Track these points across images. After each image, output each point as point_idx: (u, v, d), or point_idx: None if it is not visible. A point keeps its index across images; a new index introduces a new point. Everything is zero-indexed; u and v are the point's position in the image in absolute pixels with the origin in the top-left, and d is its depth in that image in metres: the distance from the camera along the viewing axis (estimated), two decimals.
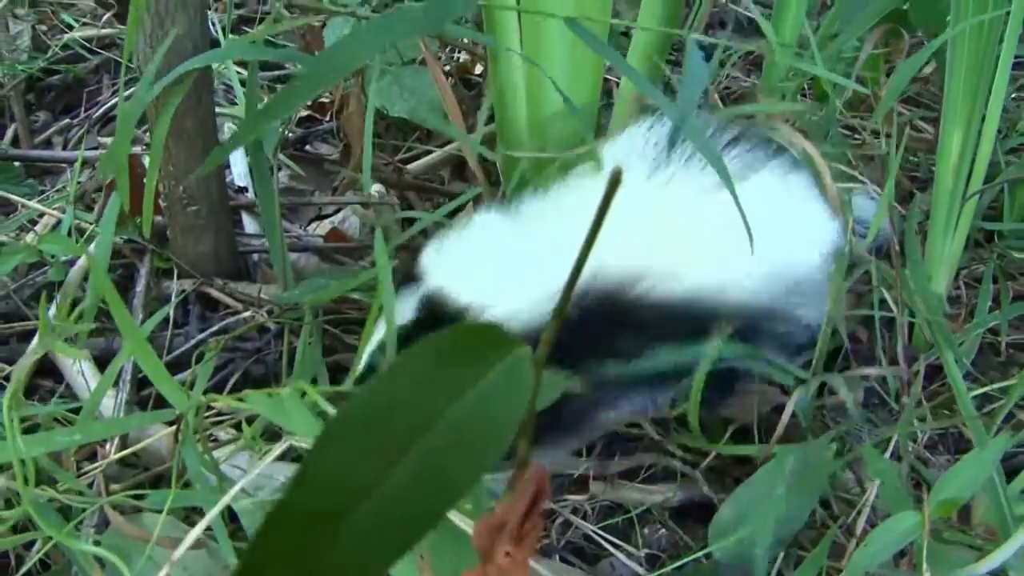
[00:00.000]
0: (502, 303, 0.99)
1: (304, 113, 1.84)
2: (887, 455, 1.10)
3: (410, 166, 1.54)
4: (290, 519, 0.42)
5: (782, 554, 1.01)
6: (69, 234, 1.34)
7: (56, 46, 2.06)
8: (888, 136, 1.22)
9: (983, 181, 1.28)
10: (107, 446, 1.03)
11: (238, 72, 1.77)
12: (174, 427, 0.93)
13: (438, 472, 0.46)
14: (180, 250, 1.33)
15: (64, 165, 1.80)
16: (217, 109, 1.33)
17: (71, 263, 1.32)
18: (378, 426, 0.46)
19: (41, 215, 1.52)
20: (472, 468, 0.47)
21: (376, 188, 1.48)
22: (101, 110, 1.99)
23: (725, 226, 0.93)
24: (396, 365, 0.47)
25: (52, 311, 1.28)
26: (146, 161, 1.33)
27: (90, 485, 0.99)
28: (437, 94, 1.34)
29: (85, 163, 1.82)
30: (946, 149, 1.27)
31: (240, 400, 0.82)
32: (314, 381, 1.11)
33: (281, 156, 1.62)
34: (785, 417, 1.00)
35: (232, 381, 1.19)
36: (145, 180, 1.26)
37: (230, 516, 0.89)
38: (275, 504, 0.41)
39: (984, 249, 1.41)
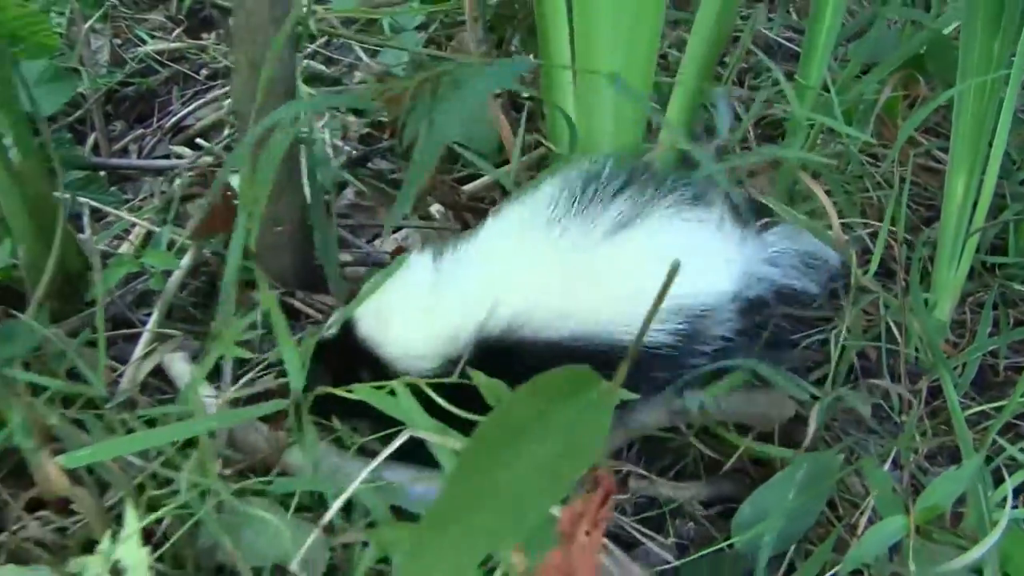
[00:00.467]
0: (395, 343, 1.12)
1: (365, 130, 2.00)
2: (890, 464, 1.26)
3: (465, 187, 1.70)
4: (448, 505, 0.59)
5: (793, 548, 1.17)
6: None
7: (132, 60, 2.23)
8: (902, 181, 1.36)
9: (987, 215, 1.42)
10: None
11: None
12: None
13: (547, 474, 0.63)
14: (263, 264, 1.49)
15: (139, 173, 1.98)
16: None
17: (167, 273, 1.49)
18: (507, 439, 0.63)
19: (133, 225, 1.69)
20: (569, 472, 0.64)
21: (436, 208, 1.64)
22: (172, 120, 2.17)
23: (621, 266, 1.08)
24: (518, 396, 0.64)
25: (155, 316, 1.46)
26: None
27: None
28: (488, 121, 1.51)
29: (161, 173, 2.01)
30: (952, 190, 1.42)
31: (349, 392, 0.97)
32: None
33: (346, 174, 1.78)
34: (811, 429, 1.16)
35: None
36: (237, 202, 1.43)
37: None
38: (441, 494, 0.58)
39: (988, 277, 1.55)
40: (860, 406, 1.22)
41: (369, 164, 1.90)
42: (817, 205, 1.33)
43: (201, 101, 2.20)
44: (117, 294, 1.50)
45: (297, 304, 1.49)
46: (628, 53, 1.28)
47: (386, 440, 0.95)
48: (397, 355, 1.10)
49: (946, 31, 1.55)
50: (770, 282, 1.26)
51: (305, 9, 1.36)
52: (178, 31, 2.34)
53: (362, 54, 2.28)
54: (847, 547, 1.15)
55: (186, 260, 1.51)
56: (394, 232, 1.67)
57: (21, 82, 1.44)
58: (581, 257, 1.13)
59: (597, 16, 1.26)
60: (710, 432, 1.31)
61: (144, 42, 2.30)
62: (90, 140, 2.07)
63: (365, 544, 1.03)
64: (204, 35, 2.36)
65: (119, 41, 2.29)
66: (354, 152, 1.88)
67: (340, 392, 0.99)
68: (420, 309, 1.13)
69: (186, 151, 2.10)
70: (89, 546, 1.09)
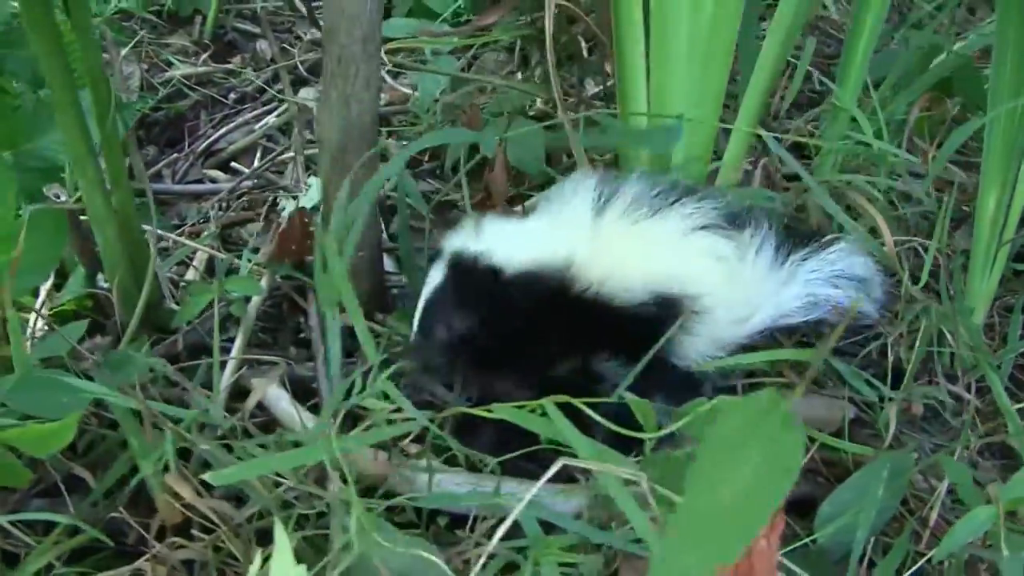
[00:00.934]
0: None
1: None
2: None
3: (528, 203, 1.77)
4: (686, 520, 0.67)
5: (872, 540, 1.27)
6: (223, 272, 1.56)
7: (161, 85, 2.26)
8: (941, 197, 1.48)
9: (1016, 229, 1.54)
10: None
11: None
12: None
13: (761, 488, 0.71)
14: None
15: (176, 197, 2.02)
16: None
17: (247, 299, 1.54)
18: (724, 458, 0.71)
19: (194, 251, 1.73)
20: (780, 484, 0.72)
21: None
22: (203, 144, 2.20)
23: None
24: (728, 417, 0.72)
25: (238, 342, 1.51)
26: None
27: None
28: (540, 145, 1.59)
29: (199, 197, 2.05)
30: (984, 204, 1.53)
31: (489, 411, 1.04)
32: None
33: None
34: (891, 428, 1.26)
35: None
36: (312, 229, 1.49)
37: None
38: (680, 510, 0.66)
39: (1016, 282, 1.67)
40: (918, 405, 1.33)
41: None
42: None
43: (232, 125, 2.24)
44: (196, 321, 1.54)
45: (377, 327, 1.55)
46: (699, 96, 1.38)
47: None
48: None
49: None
50: (832, 304, 1.35)
51: None
52: (204, 56, 2.37)
53: (387, 77, 2.34)
54: (919, 539, 1.26)
55: (263, 285, 1.56)
56: None
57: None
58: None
59: (672, 68, 1.36)
60: None
61: (171, 66, 2.33)
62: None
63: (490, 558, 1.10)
64: (229, 59, 2.40)
65: (145, 66, 2.32)
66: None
67: (479, 412, 1.05)
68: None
69: (220, 175, 2.14)
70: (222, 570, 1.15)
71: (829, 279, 1.37)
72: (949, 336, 1.44)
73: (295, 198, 1.77)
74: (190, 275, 1.68)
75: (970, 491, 1.17)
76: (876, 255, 1.43)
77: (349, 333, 1.53)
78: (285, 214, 1.71)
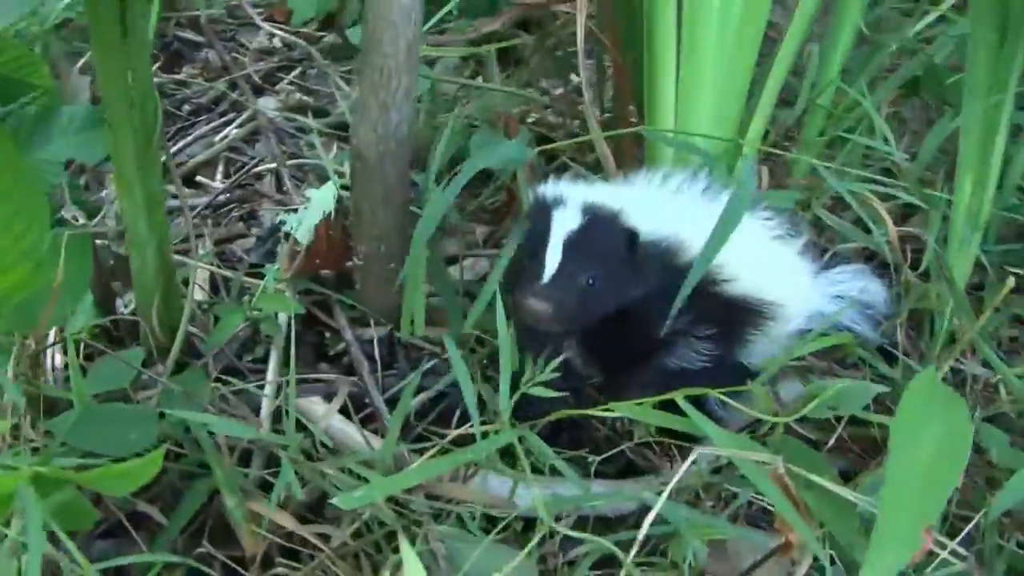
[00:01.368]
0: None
1: None
2: None
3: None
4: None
5: None
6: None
7: None
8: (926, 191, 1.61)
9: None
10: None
11: None
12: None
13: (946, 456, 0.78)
14: (370, 302, 1.53)
15: None
16: None
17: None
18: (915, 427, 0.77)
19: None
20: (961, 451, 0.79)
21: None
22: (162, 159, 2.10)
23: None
24: (913, 391, 0.78)
25: (272, 362, 1.47)
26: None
27: None
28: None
29: (170, 213, 1.95)
30: (961, 191, 1.68)
31: (608, 411, 1.06)
32: None
33: None
34: None
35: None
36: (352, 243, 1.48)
37: None
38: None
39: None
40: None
41: None
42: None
43: (190, 138, 2.15)
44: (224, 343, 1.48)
45: (411, 338, 1.53)
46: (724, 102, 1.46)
47: None
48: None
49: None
50: (834, 322, 1.39)
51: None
52: (153, 67, 2.26)
53: (342, 83, 2.31)
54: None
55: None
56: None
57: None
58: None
59: (700, 77, 1.43)
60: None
61: None
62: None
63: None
64: (178, 70, 2.30)
65: (89, 78, 2.19)
66: None
67: (596, 413, 1.08)
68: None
69: (185, 190, 2.06)
70: None
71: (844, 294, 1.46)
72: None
73: (295, 211, 1.72)
74: (198, 295, 1.61)
75: (1009, 452, 1.28)
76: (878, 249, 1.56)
77: (380, 345, 1.53)
78: (289, 229, 1.67)
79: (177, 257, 1.63)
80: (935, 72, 1.77)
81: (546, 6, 1.80)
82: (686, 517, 1.01)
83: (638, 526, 1.16)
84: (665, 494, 0.97)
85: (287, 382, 1.41)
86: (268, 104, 2.21)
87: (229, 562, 1.15)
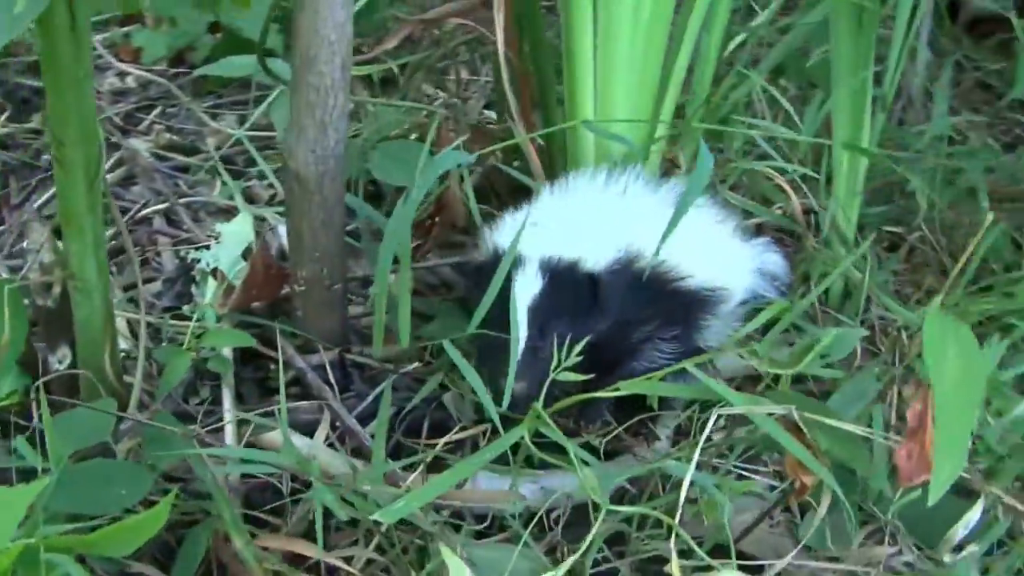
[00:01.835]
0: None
1: None
2: None
3: None
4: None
5: None
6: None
7: None
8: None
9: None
10: None
11: None
12: None
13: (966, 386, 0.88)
14: (312, 325, 1.49)
15: None
16: None
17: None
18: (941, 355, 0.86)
19: None
20: (977, 382, 0.89)
21: None
22: (25, 216, 1.95)
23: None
24: (931, 324, 0.87)
25: (227, 400, 1.40)
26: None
27: None
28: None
29: None
30: (839, 161, 1.85)
31: (616, 389, 1.09)
32: None
33: None
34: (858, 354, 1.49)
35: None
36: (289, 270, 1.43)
37: None
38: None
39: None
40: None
41: None
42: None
43: (53, 191, 2.00)
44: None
45: (359, 359, 1.50)
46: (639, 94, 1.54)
47: None
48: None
49: None
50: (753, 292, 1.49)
51: None
52: (2, 118, 2.09)
53: (208, 119, 2.24)
54: None
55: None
56: None
57: None
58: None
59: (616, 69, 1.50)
60: None
61: None
62: None
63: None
64: (29, 118, 2.14)
65: None
66: None
67: (605, 395, 1.11)
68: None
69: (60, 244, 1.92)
70: None
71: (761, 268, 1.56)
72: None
73: (207, 248, 1.65)
74: (122, 344, 1.50)
75: None
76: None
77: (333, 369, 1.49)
78: (205, 266, 1.60)
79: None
80: (795, 58, 1.94)
81: (437, 22, 1.82)
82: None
83: (633, 503, 1.23)
84: (695, 460, 1.02)
85: (240, 420, 1.38)
86: (140, 145, 2.10)
87: None
